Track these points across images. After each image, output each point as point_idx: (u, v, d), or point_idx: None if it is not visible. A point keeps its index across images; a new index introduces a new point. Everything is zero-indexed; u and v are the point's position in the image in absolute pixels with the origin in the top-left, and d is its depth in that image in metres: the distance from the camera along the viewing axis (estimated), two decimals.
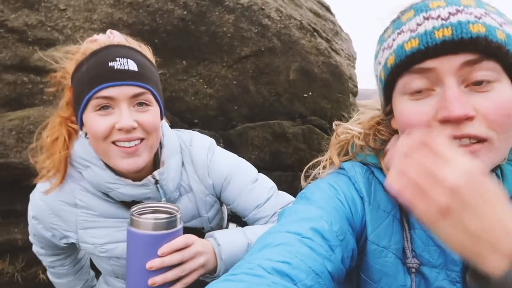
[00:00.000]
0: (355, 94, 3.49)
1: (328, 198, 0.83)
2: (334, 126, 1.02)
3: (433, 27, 0.66)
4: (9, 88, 1.77)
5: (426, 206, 0.59)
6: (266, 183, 1.31)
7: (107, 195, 1.13)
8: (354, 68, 3.79)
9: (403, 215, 0.84)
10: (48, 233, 1.17)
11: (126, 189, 1.09)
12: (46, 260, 1.36)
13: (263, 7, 2.61)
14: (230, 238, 1.11)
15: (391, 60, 0.72)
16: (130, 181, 1.09)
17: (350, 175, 0.89)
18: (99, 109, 1.02)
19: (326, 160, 1.00)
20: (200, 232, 1.24)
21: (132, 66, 1.03)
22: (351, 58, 3.66)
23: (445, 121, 0.66)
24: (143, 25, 2.04)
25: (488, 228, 0.55)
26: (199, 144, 1.28)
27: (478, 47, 0.63)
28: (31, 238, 1.28)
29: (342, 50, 3.42)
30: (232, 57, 2.43)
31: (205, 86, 2.35)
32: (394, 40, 0.72)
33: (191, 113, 2.32)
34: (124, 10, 2.05)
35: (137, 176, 1.11)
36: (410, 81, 0.71)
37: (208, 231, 1.25)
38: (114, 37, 1.14)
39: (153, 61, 1.16)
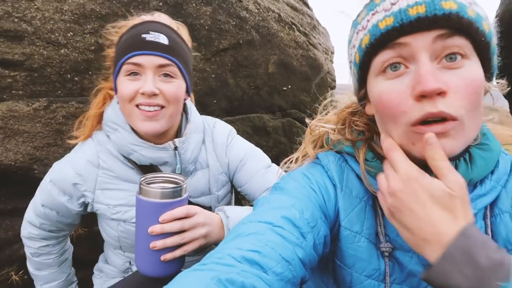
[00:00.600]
0: (333, 88, 3.49)
1: (301, 187, 0.84)
2: (307, 122, 1.03)
3: (407, 5, 0.67)
4: None
5: (384, 207, 0.74)
6: (278, 170, 1.40)
7: (128, 160, 1.23)
8: (332, 63, 3.79)
9: (376, 200, 0.85)
10: (64, 197, 1.24)
11: (147, 151, 1.20)
12: (34, 246, 1.37)
13: (241, 0, 2.57)
14: (238, 212, 1.19)
15: (366, 40, 0.73)
16: (152, 144, 1.20)
17: (323, 164, 0.91)
18: (129, 74, 1.15)
19: (300, 152, 1.02)
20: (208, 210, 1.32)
21: (163, 39, 1.15)
22: (329, 52, 3.66)
23: (421, 97, 0.67)
24: (117, 17, 1.97)
25: (420, 225, 0.66)
26: (221, 127, 1.44)
27: (451, 23, 0.65)
28: (32, 215, 1.32)
29: (320, 44, 3.42)
30: (210, 50, 2.38)
31: None
32: (368, 21, 0.73)
33: None
34: (96, 0, 1.97)
35: (159, 142, 1.23)
36: (385, 58, 0.72)
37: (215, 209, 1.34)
38: (160, 17, 1.26)
39: (188, 41, 1.28)
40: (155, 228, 0.99)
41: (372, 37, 0.72)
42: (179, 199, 1.03)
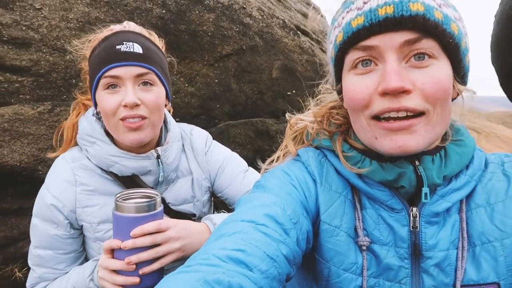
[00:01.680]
0: None
1: (282, 184, 0.85)
2: (287, 117, 1.05)
3: (377, 5, 0.70)
4: None
5: None
6: (256, 174, 1.44)
7: (106, 172, 1.21)
8: None
9: (355, 195, 0.87)
10: (50, 226, 1.20)
11: (130, 161, 1.19)
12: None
13: (244, 6, 2.62)
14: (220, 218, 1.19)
15: (340, 37, 0.76)
16: (134, 154, 1.19)
17: (303, 160, 0.92)
18: (108, 88, 1.13)
19: (281, 150, 1.04)
20: (190, 219, 1.32)
21: (137, 48, 1.15)
22: None
23: (384, 94, 0.70)
24: None
25: None
26: (198, 134, 1.44)
27: (417, 24, 0.67)
28: (32, 269, 1.25)
29: None
30: (213, 55, 2.43)
31: (186, 85, 2.35)
32: (343, 18, 0.76)
33: (172, 112, 2.30)
34: (101, 9, 2.06)
35: (141, 152, 1.22)
36: (355, 57, 0.75)
37: (200, 217, 1.35)
38: (130, 27, 1.25)
39: (161, 46, 1.28)
40: (128, 243, 0.99)
41: (345, 34, 0.75)
42: (152, 213, 1.03)
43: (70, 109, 1.33)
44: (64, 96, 1.94)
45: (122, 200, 1.04)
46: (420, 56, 0.69)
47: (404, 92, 0.69)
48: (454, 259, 0.79)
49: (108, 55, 1.13)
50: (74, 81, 1.95)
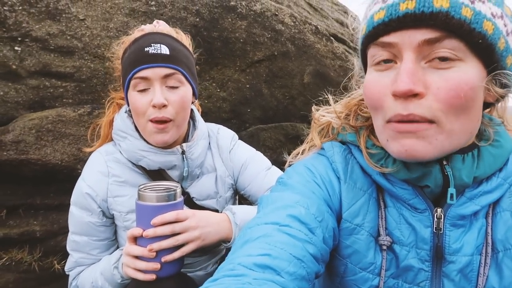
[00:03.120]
0: None
1: (305, 182, 0.84)
2: (313, 110, 1.04)
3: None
4: (33, 92, 1.93)
5: None
6: (278, 172, 1.47)
7: (136, 165, 1.30)
8: None
9: (379, 193, 0.85)
10: (85, 213, 1.30)
11: (156, 156, 1.26)
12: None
13: (277, 13, 2.67)
14: (244, 208, 1.26)
15: (364, 31, 0.74)
16: (160, 149, 1.27)
17: (328, 155, 0.90)
18: (139, 89, 1.21)
19: (307, 143, 1.02)
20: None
21: (165, 50, 1.21)
22: None
23: (396, 96, 0.67)
24: None
25: None
26: (225, 133, 1.51)
27: (438, 23, 0.62)
28: (70, 252, 1.35)
29: None
30: (245, 61, 2.49)
31: (218, 90, 2.43)
32: (370, 10, 0.73)
33: (204, 116, 2.33)
34: (139, 19, 2.18)
35: (167, 147, 1.29)
36: (375, 53, 0.72)
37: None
38: (160, 26, 1.34)
39: (189, 46, 1.35)
40: (149, 232, 1.05)
41: (367, 28, 0.72)
42: (171, 202, 1.09)
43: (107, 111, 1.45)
44: (103, 100, 2.05)
45: (144, 190, 1.10)
46: (445, 58, 0.65)
47: (415, 96, 0.65)
48: (477, 265, 0.76)
49: (137, 57, 1.20)
50: (112, 86, 2.08)
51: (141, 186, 1.12)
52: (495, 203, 0.79)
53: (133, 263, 1.08)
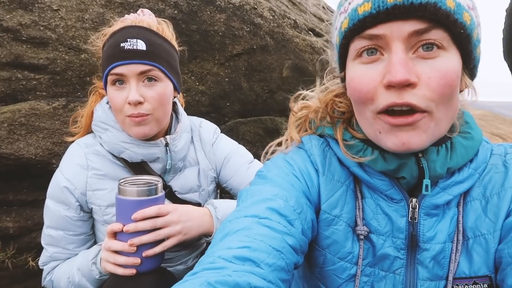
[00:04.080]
0: None
1: (283, 175, 0.85)
2: (290, 105, 1.04)
3: None
4: (4, 84, 1.86)
5: None
6: (260, 166, 1.47)
7: (117, 158, 1.27)
8: None
9: (357, 185, 0.87)
10: (61, 207, 1.27)
11: (139, 148, 1.25)
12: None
13: (256, 7, 2.66)
14: (225, 202, 1.26)
15: (345, 24, 0.73)
16: (143, 141, 1.25)
17: (306, 148, 0.91)
18: (114, 84, 1.20)
19: (287, 140, 1.03)
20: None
21: (141, 45, 1.17)
22: None
23: (390, 86, 0.68)
24: None
25: None
26: (207, 127, 1.50)
27: (427, 13, 0.64)
28: (44, 246, 1.33)
29: None
30: (223, 55, 2.48)
31: (197, 83, 2.41)
32: (349, 4, 0.73)
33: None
34: (115, 10, 2.13)
35: (150, 141, 1.28)
36: (360, 46, 0.72)
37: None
38: (144, 15, 1.31)
39: (171, 39, 1.31)
40: (130, 227, 1.04)
41: (350, 21, 0.71)
42: (153, 197, 1.08)
43: (83, 105, 1.41)
44: (79, 93, 2.01)
45: (125, 184, 1.08)
46: (429, 46, 0.66)
47: (409, 85, 0.66)
48: (449, 252, 0.79)
49: (113, 53, 1.18)
50: (88, 78, 2.03)
51: (122, 181, 1.10)
52: (466, 193, 0.82)
53: (112, 258, 1.07)
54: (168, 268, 1.35)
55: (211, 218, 1.21)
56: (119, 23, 1.27)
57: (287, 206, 0.76)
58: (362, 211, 0.84)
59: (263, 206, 0.75)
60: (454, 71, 0.67)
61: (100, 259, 1.15)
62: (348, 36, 0.73)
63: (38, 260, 1.39)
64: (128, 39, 1.17)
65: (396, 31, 0.66)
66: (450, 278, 0.78)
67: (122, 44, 1.17)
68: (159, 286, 1.13)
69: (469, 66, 0.73)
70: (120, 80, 1.19)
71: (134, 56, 1.16)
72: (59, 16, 2.00)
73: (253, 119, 2.55)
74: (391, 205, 0.81)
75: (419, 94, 0.66)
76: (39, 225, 1.84)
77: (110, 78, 1.20)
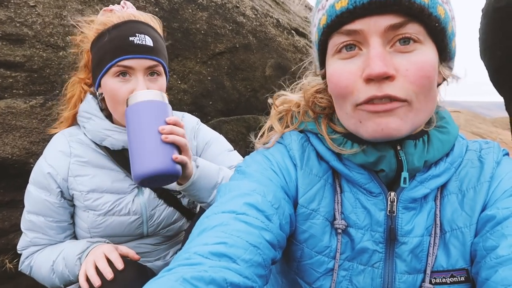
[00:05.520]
0: None
1: (262, 170, 0.86)
2: (273, 99, 1.04)
3: None
4: None
5: None
6: (239, 156, 1.55)
7: (99, 146, 1.31)
8: None
9: (336, 179, 0.87)
10: (43, 192, 1.29)
11: (121, 135, 1.28)
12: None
13: (238, 5, 2.66)
14: (206, 162, 1.31)
15: (323, 21, 0.74)
16: (124, 128, 1.25)
17: (286, 143, 0.92)
18: (118, 76, 1.22)
19: (269, 130, 1.02)
20: (175, 198, 1.42)
21: (149, 41, 1.23)
22: None
23: (369, 80, 0.69)
24: None
25: None
26: (190, 117, 1.56)
27: (402, 8, 0.66)
28: (24, 231, 1.35)
29: None
30: (206, 53, 2.46)
31: (179, 82, 2.39)
32: (327, 0, 0.73)
33: None
34: (94, 6, 2.10)
35: None
36: (339, 41, 0.73)
37: (184, 195, 1.42)
38: (128, 8, 1.34)
39: (162, 34, 1.36)
40: (167, 127, 1.08)
41: (328, 18, 0.72)
42: (167, 102, 1.16)
43: (62, 103, 1.39)
44: (57, 91, 1.97)
45: (137, 93, 1.13)
46: (406, 40, 0.68)
47: (388, 78, 0.68)
48: (427, 245, 0.80)
49: (122, 46, 1.20)
50: (67, 76, 1.98)
51: (134, 92, 1.15)
52: (443, 187, 0.84)
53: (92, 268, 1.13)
54: (147, 264, 1.34)
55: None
56: (111, 14, 1.28)
57: (264, 201, 0.76)
58: (341, 205, 0.85)
59: (240, 202, 0.75)
60: (430, 63, 0.69)
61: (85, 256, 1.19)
62: (327, 33, 0.74)
63: (16, 261, 1.38)
64: (137, 34, 1.21)
65: (373, 26, 0.68)
66: (428, 271, 0.79)
67: (131, 38, 1.20)
68: (139, 282, 1.13)
69: (446, 58, 0.75)
70: (125, 72, 1.22)
71: (143, 51, 1.21)
72: (36, 12, 1.95)
73: (236, 118, 2.55)
74: (370, 199, 0.82)
75: (398, 86, 0.68)
76: (17, 226, 1.79)
77: (115, 69, 1.21)
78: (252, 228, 0.70)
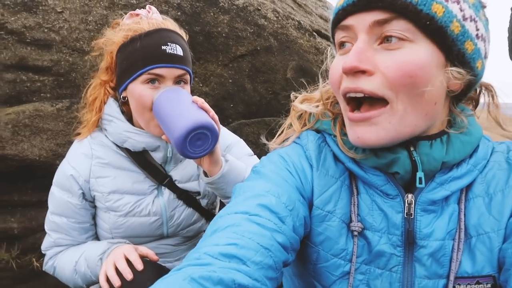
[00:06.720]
0: None
1: (278, 170, 0.85)
2: (292, 97, 1.04)
3: None
4: (9, 86, 1.88)
5: None
6: (259, 161, 1.48)
7: (120, 148, 1.34)
8: None
9: (352, 180, 0.86)
10: (66, 194, 1.33)
11: (141, 137, 1.31)
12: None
13: (259, 8, 2.66)
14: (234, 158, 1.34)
15: (331, 18, 0.78)
16: (145, 131, 1.32)
17: (302, 144, 0.91)
18: (148, 82, 1.25)
19: (288, 128, 1.01)
20: (195, 199, 1.43)
21: (180, 51, 1.26)
22: None
23: (346, 74, 0.72)
24: None
25: None
26: None
27: (386, 4, 0.67)
28: (48, 232, 1.40)
29: None
30: (227, 56, 2.48)
31: (201, 85, 2.41)
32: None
33: None
34: (118, 12, 2.14)
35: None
36: (338, 37, 0.77)
37: (205, 195, 1.44)
38: (153, 13, 1.37)
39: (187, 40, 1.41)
40: (199, 100, 1.19)
41: (333, 15, 0.77)
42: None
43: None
44: (82, 95, 2.02)
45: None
46: (389, 38, 0.69)
47: (364, 73, 0.68)
48: (450, 250, 0.77)
49: (154, 54, 1.23)
50: (92, 80, 2.04)
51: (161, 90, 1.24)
52: (468, 190, 0.81)
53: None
54: (167, 265, 1.36)
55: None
56: (140, 20, 1.30)
57: (278, 203, 0.76)
58: (357, 207, 0.83)
59: (254, 203, 0.75)
60: (414, 62, 0.67)
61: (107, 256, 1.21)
62: (332, 29, 0.79)
63: (42, 260, 1.41)
64: (169, 43, 1.24)
65: (361, 22, 0.70)
66: (452, 277, 0.76)
67: (163, 47, 1.23)
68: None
69: (455, 61, 0.71)
70: (155, 79, 1.24)
71: (175, 60, 1.24)
72: (63, 18, 2.01)
73: (257, 120, 2.55)
74: (386, 201, 0.80)
75: (375, 82, 0.68)
76: (43, 226, 1.84)
77: (145, 76, 1.24)
78: (264, 229, 0.70)
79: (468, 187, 0.80)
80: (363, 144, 0.72)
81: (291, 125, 0.99)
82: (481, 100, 0.87)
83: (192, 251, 0.67)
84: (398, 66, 0.67)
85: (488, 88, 0.83)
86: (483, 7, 0.76)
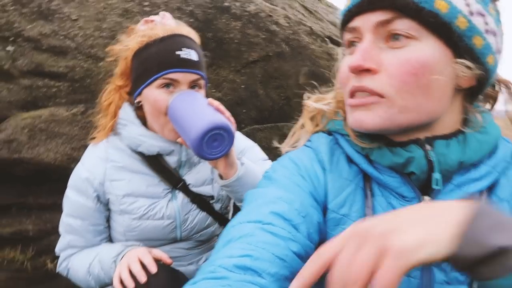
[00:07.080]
0: None
1: (290, 175, 0.83)
2: (304, 98, 1.03)
3: None
4: (25, 92, 1.93)
5: None
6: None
7: (135, 152, 1.33)
8: None
9: (366, 183, 0.83)
10: (81, 197, 1.32)
11: (155, 141, 1.30)
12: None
13: (271, 14, 2.68)
14: (250, 162, 1.33)
15: (340, 20, 0.78)
16: (159, 135, 1.31)
17: (314, 146, 0.89)
18: (163, 87, 1.25)
19: (300, 128, 1.01)
20: (208, 203, 1.41)
21: (194, 56, 1.26)
22: None
23: (351, 72, 0.71)
24: None
25: None
26: None
27: (386, 4, 0.66)
28: (62, 233, 1.41)
29: None
30: (239, 62, 2.50)
31: (213, 90, 2.43)
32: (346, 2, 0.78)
33: None
34: (132, 19, 2.19)
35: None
36: (346, 38, 0.76)
37: (218, 199, 1.42)
38: (167, 19, 1.37)
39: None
40: (214, 102, 1.20)
41: (341, 17, 0.76)
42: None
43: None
44: (97, 100, 2.06)
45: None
46: (396, 36, 0.68)
47: (369, 72, 0.68)
48: None
49: (169, 59, 1.24)
50: (107, 86, 2.08)
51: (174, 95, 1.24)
52: (490, 193, 0.77)
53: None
54: (180, 268, 1.35)
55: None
56: (154, 26, 1.31)
57: (291, 210, 0.74)
58: (372, 210, 0.80)
59: (266, 210, 0.73)
60: (418, 60, 0.67)
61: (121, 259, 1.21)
62: (341, 31, 0.78)
63: (57, 262, 1.43)
64: (183, 48, 1.25)
65: (366, 23, 0.69)
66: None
67: (177, 52, 1.24)
68: (171, 286, 1.14)
69: (465, 56, 0.69)
70: (169, 84, 1.25)
71: (190, 65, 1.25)
72: (78, 25, 2.06)
73: (270, 126, 2.55)
74: (402, 203, 0.77)
75: (378, 80, 0.68)
76: (58, 228, 1.87)
77: (160, 81, 1.25)
78: (279, 239, 0.68)
79: (490, 190, 0.77)
80: (360, 127, 0.72)
81: (302, 126, 0.99)
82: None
83: (206, 264, 0.66)
84: (400, 64, 0.67)
85: (507, 85, 0.81)
86: (493, 0, 0.75)
